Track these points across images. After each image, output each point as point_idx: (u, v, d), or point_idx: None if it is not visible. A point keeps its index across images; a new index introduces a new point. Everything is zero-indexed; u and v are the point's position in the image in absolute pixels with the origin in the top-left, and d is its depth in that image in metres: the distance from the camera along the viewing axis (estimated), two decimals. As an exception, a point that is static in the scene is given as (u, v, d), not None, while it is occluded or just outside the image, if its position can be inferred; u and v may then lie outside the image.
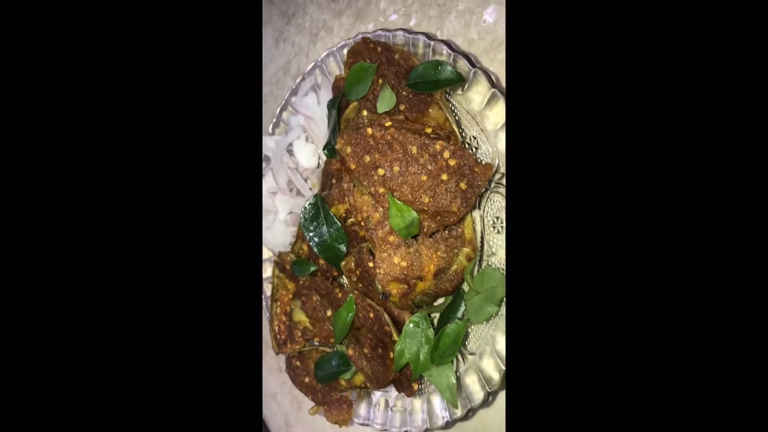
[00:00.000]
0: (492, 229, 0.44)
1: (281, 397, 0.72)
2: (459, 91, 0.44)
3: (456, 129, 0.44)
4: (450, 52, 0.43)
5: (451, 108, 0.45)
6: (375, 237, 0.48)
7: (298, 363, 0.60)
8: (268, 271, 0.67)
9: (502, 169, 0.43)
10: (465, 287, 0.46)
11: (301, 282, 0.59)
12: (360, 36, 0.49)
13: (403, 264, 0.46)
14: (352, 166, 0.48)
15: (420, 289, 0.47)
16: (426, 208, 0.44)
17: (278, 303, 0.63)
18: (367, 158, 0.47)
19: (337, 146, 0.49)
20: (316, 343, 0.58)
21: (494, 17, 0.44)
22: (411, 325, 0.47)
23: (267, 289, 0.66)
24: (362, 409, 0.54)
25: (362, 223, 0.49)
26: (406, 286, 0.47)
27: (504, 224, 0.43)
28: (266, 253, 0.67)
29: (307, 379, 0.58)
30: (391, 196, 0.45)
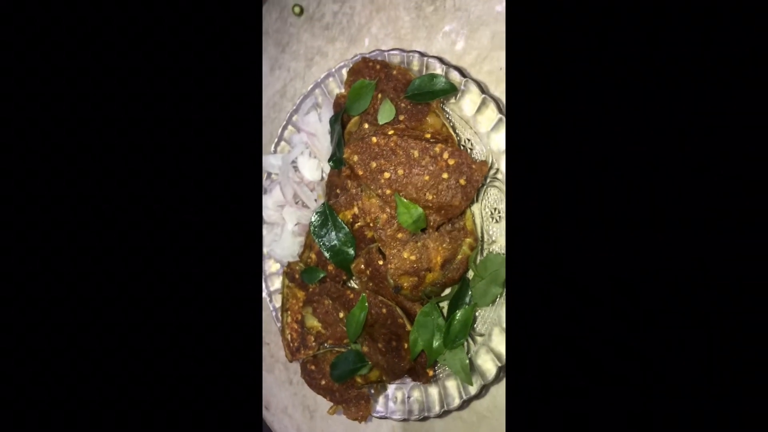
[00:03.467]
0: (490, 219, 0.49)
1: (292, 409, 0.73)
2: (453, 100, 0.50)
3: (452, 133, 0.49)
4: (443, 65, 0.49)
5: (446, 115, 0.51)
6: (384, 236, 0.52)
7: (313, 367, 0.62)
8: (276, 283, 0.70)
9: (496, 165, 0.48)
10: (470, 275, 0.50)
11: (311, 289, 0.62)
12: (359, 56, 0.54)
13: (413, 258, 0.50)
14: (360, 172, 0.52)
15: (429, 280, 0.51)
16: (431, 205, 0.49)
17: (289, 312, 0.65)
18: (374, 164, 0.51)
19: (345, 155, 0.53)
20: (329, 346, 0.61)
21: (470, 33, 0.51)
22: (422, 315, 0.51)
23: (277, 300, 0.69)
24: (380, 404, 0.57)
25: (371, 225, 0.53)
26: (416, 278, 0.51)
27: (501, 214, 0.48)
28: (274, 267, 0.70)
29: (323, 382, 0.61)
30: (398, 196, 0.50)
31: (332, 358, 0.60)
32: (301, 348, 0.64)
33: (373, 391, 0.57)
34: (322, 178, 0.64)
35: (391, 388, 0.57)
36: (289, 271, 0.65)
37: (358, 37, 0.63)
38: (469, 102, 0.49)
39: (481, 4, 0.51)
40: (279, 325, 0.66)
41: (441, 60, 0.50)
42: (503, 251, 0.48)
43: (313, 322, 0.62)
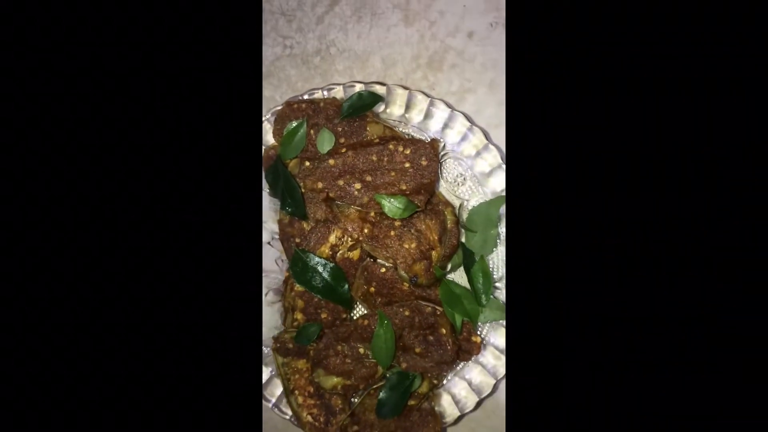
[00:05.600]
0: (456, 184, 0.57)
1: None
2: (382, 109, 0.58)
3: (395, 131, 0.57)
4: (363, 84, 0.57)
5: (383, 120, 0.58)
6: (378, 242, 0.54)
7: (356, 428, 0.55)
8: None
9: (443, 142, 0.57)
10: (463, 238, 0.56)
11: (313, 350, 0.57)
12: (284, 102, 0.58)
13: (413, 245, 0.53)
14: (331, 195, 0.54)
15: (436, 257, 0.54)
16: (408, 192, 0.54)
17: (296, 393, 0.57)
18: (341, 182, 0.54)
19: (309, 187, 0.54)
20: (362, 392, 0.56)
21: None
22: (444, 292, 0.53)
23: (271, 395, 0.59)
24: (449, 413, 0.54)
25: (360, 239, 0.54)
26: (425, 261, 0.53)
27: (464, 177, 0.57)
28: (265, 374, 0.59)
29: (375, 432, 0.54)
30: (379, 195, 0.53)
31: (372, 401, 0.55)
32: (329, 418, 0.56)
33: (432, 404, 0.54)
34: (273, 238, 0.61)
35: (444, 393, 0.55)
36: (278, 346, 0.58)
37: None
38: (395, 106, 0.58)
39: (362, 40, 0.63)
40: (292, 419, 0.57)
41: (359, 81, 0.58)
42: (480, 201, 0.56)
43: (331, 381, 0.56)
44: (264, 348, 0.59)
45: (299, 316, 0.57)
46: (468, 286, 0.55)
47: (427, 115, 0.57)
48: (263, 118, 0.58)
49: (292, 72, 0.65)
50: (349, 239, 0.55)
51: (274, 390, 0.59)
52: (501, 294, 0.55)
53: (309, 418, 0.56)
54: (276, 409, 0.58)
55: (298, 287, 0.56)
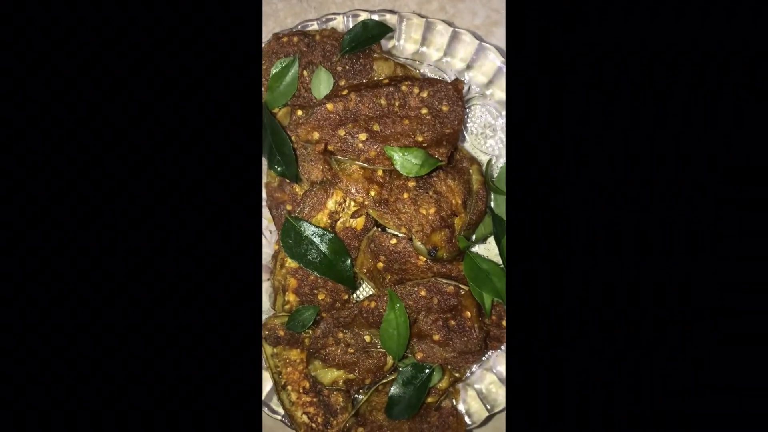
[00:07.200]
0: (484, 137, 0.47)
1: None
2: (392, 45, 0.47)
3: (410, 69, 0.46)
4: (369, 13, 0.46)
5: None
6: (388, 206, 0.44)
7: (361, 430, 0.46)
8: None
9: (468, 82, 0.47)
10: (491, 202, 0.46)
11: (308, 338, 0.47)
12: (271, 36, 0.47)
13: (432, 210, 0.43)
14: (330, 147, 0.44)
15: (460, 225, 0.44)
16: (426, 144, 0.44)
17: (288, 390, 0.48)
18: (342, 132, 0.44)
19: (302, 137, 0.44)
20: (368, 389, 0.47)
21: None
22: (469, 268, 0.44)
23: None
24: (473, 406, 0.45)
25: (365, 204, 0.44)
26: (447, 230, 0.43)
27: (494, 128, 0.47)
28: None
29: (385, 436, 0.45)
30: (390, 148, 0.43)
31: (381, 399, 0.46)
32: (329, 419, 0.47)
33: (454, 401, 0.45)
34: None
35: (466, 388, 0.46)
36: (267, 334, 0.48)
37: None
38: (410, 41, 0.47)
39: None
40: (285, 421, 0.47)
41: (364, 10, 0.47)
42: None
43: (331, 374, 0.46)
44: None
45: (291, 297, 0.48)
46: (498, 260, 0.45)
47: (447, 52, 0.46)
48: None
49: (279, 5, 0.54)
50: (352, 204, 0.45)
51: (262, 385, 0.49)
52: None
53: (304, 418, 0.47)
54: (264, 408, 0.49)
55: (290, 263, 0.46)
